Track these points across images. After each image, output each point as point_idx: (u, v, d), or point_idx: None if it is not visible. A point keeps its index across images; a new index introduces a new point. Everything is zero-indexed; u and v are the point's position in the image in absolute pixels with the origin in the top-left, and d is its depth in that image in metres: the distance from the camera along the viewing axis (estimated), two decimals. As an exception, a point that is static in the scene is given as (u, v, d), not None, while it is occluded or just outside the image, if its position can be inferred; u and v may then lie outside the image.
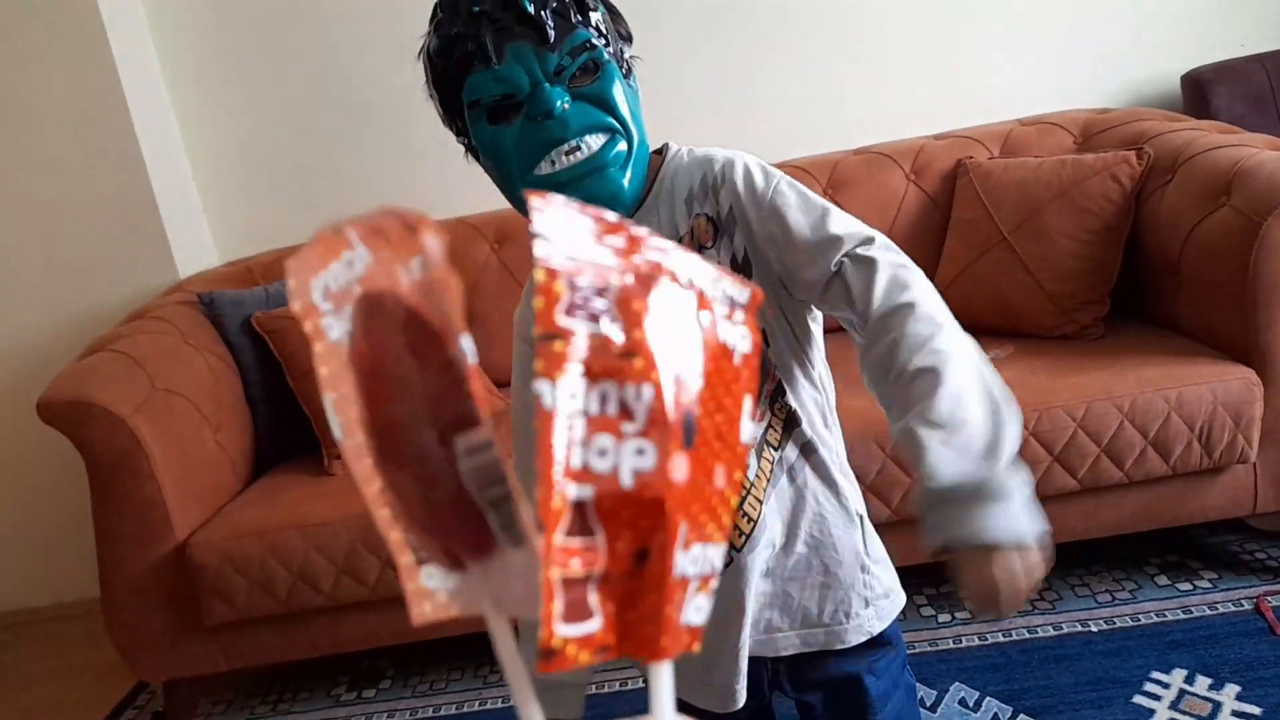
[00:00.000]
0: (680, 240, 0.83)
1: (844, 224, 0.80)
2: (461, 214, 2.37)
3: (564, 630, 0.29)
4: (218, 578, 1.78)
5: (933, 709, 1.60)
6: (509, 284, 2.27)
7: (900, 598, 0.95)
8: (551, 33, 0.76)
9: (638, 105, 0.83)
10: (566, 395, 0.28)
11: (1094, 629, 1.73)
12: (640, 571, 0.30)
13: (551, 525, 0.29)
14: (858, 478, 0.94)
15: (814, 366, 0.89)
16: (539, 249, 0.28)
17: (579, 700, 0.97)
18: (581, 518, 0.29)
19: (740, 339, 0.32)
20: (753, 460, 0.84)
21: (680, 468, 0.30)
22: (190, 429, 1.92)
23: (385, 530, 0.35)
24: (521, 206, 0.83)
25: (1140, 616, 1.74)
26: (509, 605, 0.34)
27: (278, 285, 2.21)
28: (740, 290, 0.33)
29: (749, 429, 0.32)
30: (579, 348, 0.29)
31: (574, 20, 0.77)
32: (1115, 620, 1.74)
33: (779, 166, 0.86)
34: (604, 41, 0.80)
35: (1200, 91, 2.26)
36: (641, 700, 0.32)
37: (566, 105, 0.77)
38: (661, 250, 0.31)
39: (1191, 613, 1.73)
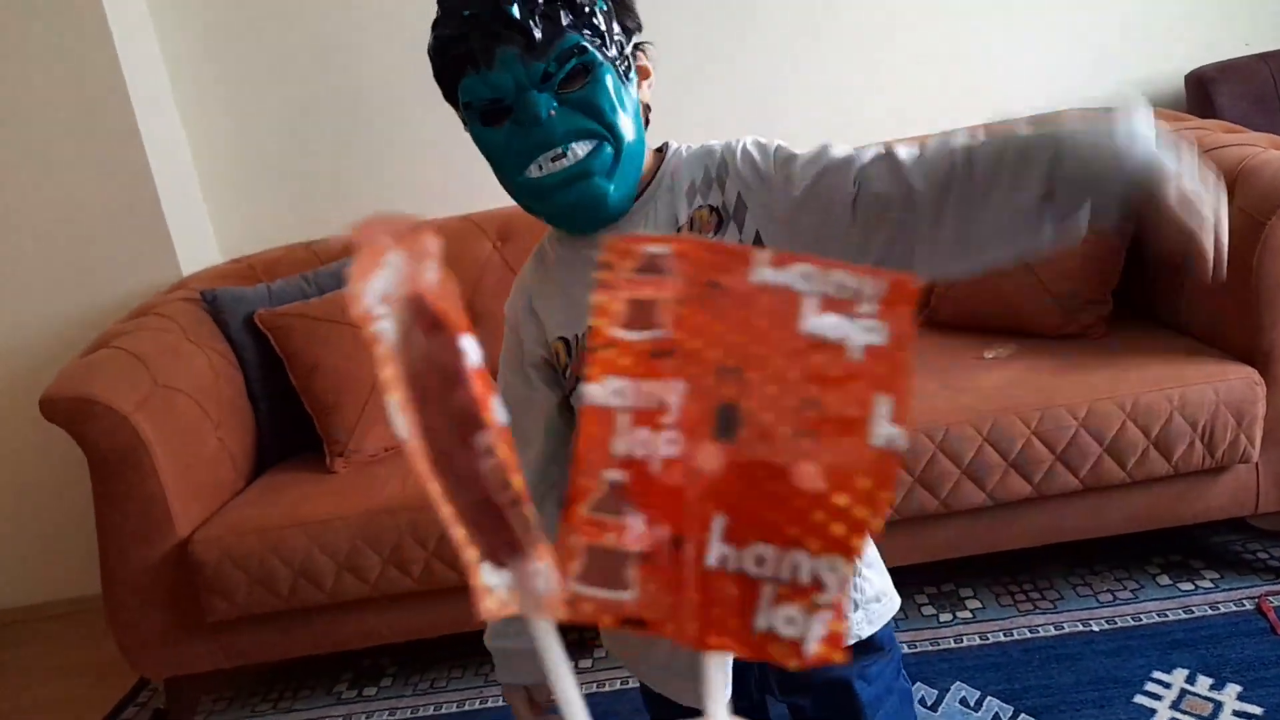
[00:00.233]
0: (679, 231, 0.83)
1: (845, 149, 0.80)
2: (463, 211, 2.37)
3: (580, 589, 0.33)
4: (219, 575, 1.78)
5: (933, 708, 1.60)
6: (511, 281, 2.26)
7: (893, 602, 0.94)
8: (539, 39, 0.75)
9: (632, 105, 0.82)
10: (610, 393, 0.32)
11: (1095, 628, 1.73)
12: (678, 558, 0.32)
13: (578, 499, 0.32)
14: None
15: None
16: (602, 277, 0.33)
17: (536, 665, 0.97)
18: (615, 497, 0.32)
19: (864, 332, 0.31)
20: None
21: (711, 458, 0.31)
22: (192, 426, 1.92)
23: (450, 527, 0.35)
24: (518, 199, 0.84)
25: (1142, 616, 1.74)
26: (536, 607, 0.35)
27: (280, 283, 2.21)
28: (866, 282, 0.31)
29: (884, 430, 0.30)
30: (624, 354, 0.33)
31: (564, 24, 0.76)
32: (1117, 620, 1.74)
33: None
34: (598, 42, 0.78)
35: (1204, 91, 2.25)
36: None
37: (553, 112, 0.77)
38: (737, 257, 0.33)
39: (1193, 612, 1.73)
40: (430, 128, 2.44)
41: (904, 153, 0.76)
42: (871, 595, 0.92)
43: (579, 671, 1.88)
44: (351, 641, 1.89)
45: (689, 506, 0.31)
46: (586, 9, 0.78)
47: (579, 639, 1.95)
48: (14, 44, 2.26)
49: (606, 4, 0.80)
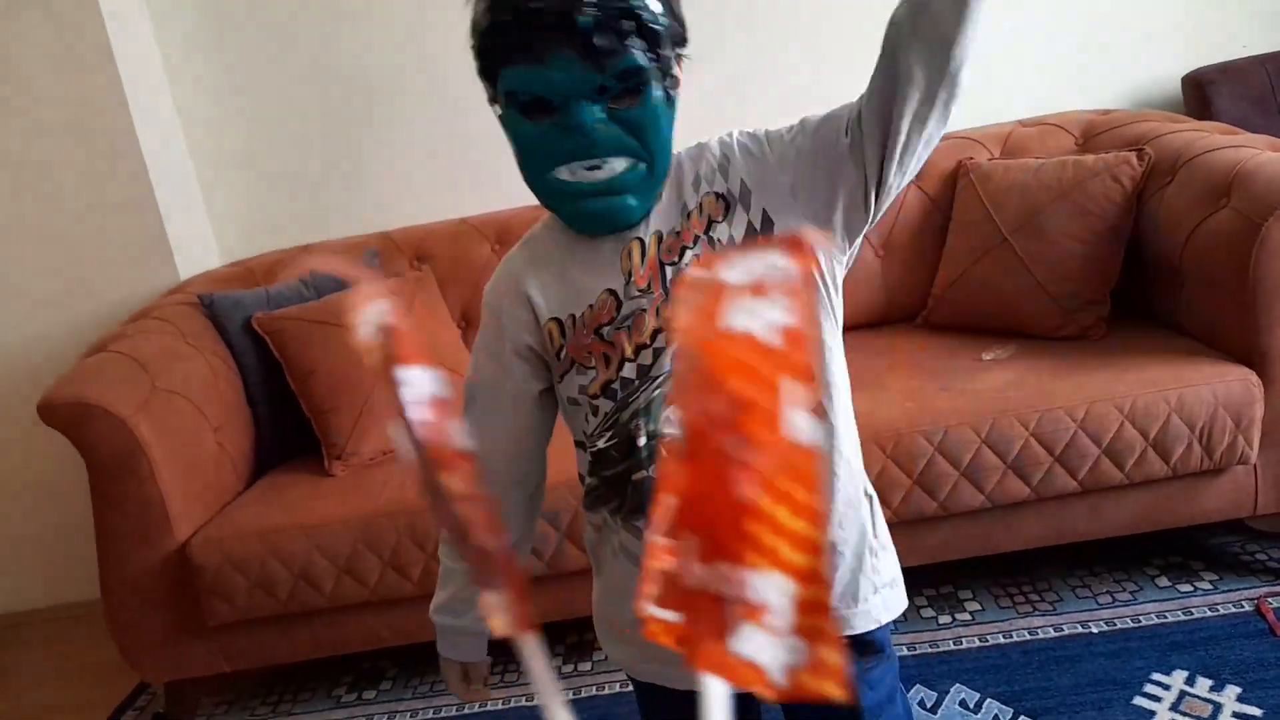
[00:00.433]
0: (689, 216, 0.85)
1: (827, 108, 0.85)
2: (463, 214, 2.38)
3: (651, 610, 0.31)
4: (218, 578, 1.78)
5: (933, 710, 1.60)
6: (510, 285, 2.27)
7: (903, 593, 0.94)
8: (602, 51, 0.73)
9: (671, 127, 0.82)
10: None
11: (1094, 630, 1.73)
12: (676, 579, 0.32)
13: (658, 528, 0.32)
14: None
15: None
16: None
17: (481, 647, 1.00)
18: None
19: (776, 312, 0.29)
20: None
21: (677, 477, 0.30)
22: (191, 429, 1.92)
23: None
24: (536, 192, 0.83)
25: (1141, 618, 1.74)
26: (515, 628, 0.35)
27: (278, 286, 2.21)
28: (772, 260, 0.30)
29: (799, 422, 0.28)
30: None
31: (628, 42, 0.74)
32: (1116, 621, 1.74)
33: None
34: (657, 64, 0.77)
35: (1201, 93, 2.26)
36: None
37: (600, 124, 0.76)
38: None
39: (1192, 614, 1.73)
40: (428, 133, 2.45)
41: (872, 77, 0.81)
42: (887, 580, 0.92)
43: (578, 675, 1.88)
44: (351, 644, 1.89)
45: (674, 528, 0.31)
46: (653, 28, 0.75)
47: (579, 641, 1.95)
48: (12, 46, 2.26)
49: (669, 20, 0.77)
